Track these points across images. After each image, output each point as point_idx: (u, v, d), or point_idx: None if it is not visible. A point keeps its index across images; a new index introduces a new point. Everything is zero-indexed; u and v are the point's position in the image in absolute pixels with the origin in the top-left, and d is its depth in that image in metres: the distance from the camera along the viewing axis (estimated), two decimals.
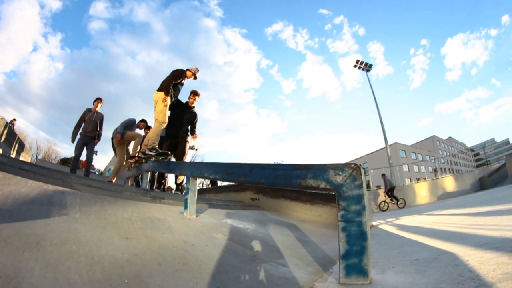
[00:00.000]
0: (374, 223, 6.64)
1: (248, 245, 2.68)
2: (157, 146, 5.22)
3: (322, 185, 2.01)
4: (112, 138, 6.84)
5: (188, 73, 5.62)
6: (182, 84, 5.68)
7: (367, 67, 29.75)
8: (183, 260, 1.81)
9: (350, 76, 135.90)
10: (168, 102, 5.24)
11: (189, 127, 6.06)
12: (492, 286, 1.43)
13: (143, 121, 7.51)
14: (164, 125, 5.24)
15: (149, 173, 5.17)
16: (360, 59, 30.08)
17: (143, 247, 1.77)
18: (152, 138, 5.15)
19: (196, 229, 2.68)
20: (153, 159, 5.19)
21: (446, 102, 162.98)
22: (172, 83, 5.26)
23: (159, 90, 5.17)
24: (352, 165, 1.93)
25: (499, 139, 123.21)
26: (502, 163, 20.68)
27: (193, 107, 6.11)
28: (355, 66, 30.23)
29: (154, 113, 5.20)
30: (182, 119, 5.91)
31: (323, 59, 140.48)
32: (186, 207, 3.13)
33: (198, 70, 5.77)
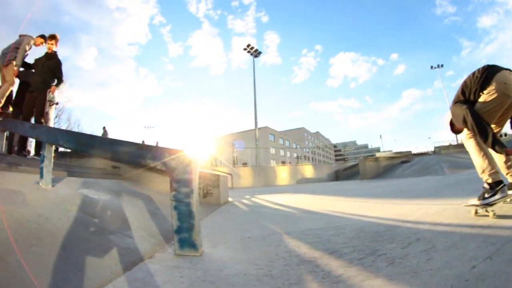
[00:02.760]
0: (230, 199, 7.26)
1: (100, 217, 2.87)
2: None
3: (159, 166, 2.34)
4: None
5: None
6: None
7: (256, 53, 31.34)
8: (37, 234, 1.98)
9: (238, 56, 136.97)
10: None
11: (52, 78, 5.39)
12: (296, 266, 1.79)
13: (42, 36, 5.70)
14: None
15: (5, 133, 4.72)
16: (253, 44, 31.42)
17: None
18: None
19: (50, 201, 2.77)
20: None
21: (321, 102, 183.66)
22: None
23: None
24: (187, 153, 2.28)
25: (360, 143, 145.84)
26: (357, 162, 24.97)
27: (53, 53, 5.49)
28: (245, 49, 31.38)
29: None
30: (41, 70, 5.32)
31: (217, 32, 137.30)
32: (41, 176, 3.12)
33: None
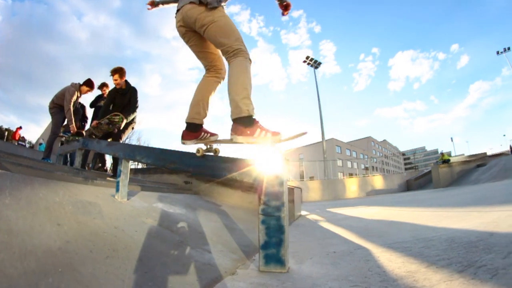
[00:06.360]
0: (303, 213, 7.08)
1: (176, 231, 2.78)
2: None
3: (246, 179, 2.23)
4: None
5: None
6: None
7: (316, 64, 30.99)
8: (113, 246, 1.88)
9: (297, 69, 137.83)
10: None
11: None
12: (393, 282, 1.65)
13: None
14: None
15: (82, 151, 4.95)
16: (311, 55, 31.42)
17: (74, 234, 1.80)
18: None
19: (126, 213, 2.72)
20: None
21: (386, 108, 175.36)
22: None
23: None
24: (275, 164, 2.14)
25: (429, 148, 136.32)
26: (429, 169, 23.32)
27: (121, 88, 5.14)
28: (304, 61, 31.39)
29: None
30: (120, 104, 5.17)
31: (274, 49, 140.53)
32: (117, 189, 3.12)
33: None
